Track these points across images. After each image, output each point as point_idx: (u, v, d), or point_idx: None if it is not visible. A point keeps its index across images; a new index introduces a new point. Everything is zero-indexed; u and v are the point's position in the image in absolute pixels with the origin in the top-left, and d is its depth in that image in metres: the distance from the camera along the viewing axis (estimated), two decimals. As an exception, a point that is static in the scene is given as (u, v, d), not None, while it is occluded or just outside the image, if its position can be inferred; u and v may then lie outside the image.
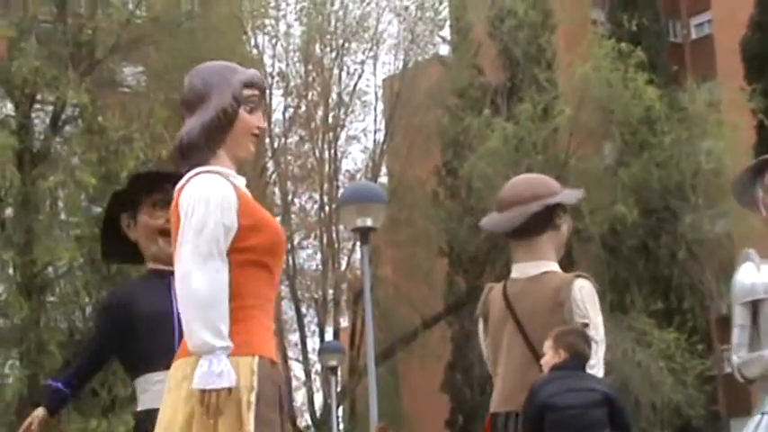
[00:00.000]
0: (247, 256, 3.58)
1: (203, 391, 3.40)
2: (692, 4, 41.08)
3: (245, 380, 3.49)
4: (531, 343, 4.74)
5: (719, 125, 28.70)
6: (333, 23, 31.34)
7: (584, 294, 4.70)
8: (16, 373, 22.19)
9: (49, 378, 4.73)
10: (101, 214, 5.19)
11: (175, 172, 3.85)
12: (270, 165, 30.96)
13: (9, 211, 23.61)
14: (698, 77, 33.25)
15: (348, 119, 32.32)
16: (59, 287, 23.63)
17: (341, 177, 31.98)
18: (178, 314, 3.60)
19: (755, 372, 5.25)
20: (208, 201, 3.52)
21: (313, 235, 31.31)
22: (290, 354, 32.05)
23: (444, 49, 33.50)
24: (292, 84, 31.59)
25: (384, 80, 33.39)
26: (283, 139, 31.59)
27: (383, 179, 32.72)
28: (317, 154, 31.75)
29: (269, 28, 31.48)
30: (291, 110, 31.76)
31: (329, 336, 31.09)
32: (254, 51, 30.67)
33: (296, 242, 31.04)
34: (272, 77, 31.12)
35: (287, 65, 31.65)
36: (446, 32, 33.24)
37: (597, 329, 4.72)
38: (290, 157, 31.97)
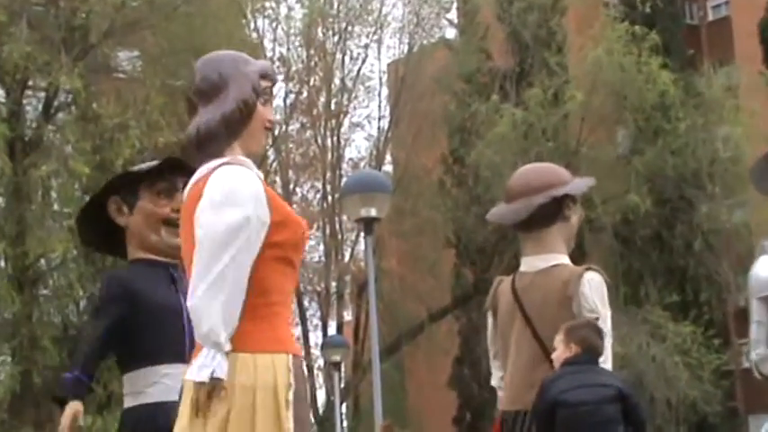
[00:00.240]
0: (275, 251, 3.56)
1: (201, 383, 3.37)
2: (709, -16, 41.13)
3: (282, 378, 3.47)
4: (540, 338, 4.69)
5: (737, 111, 28.74)
6: (335, 6, 31.55)
7: (593, 287, 4.64)
8: (8, 370, 22.08)
9: (64, 371, 4.60)
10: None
11: (182, 161, 4.02)
12: (270, 153, 30.81)
13: (0, 202, 23.59)
14: (715, 61, 33.39)
15: (351, 105, 32.55)
16: (53, 280, 23.63)
17: (344, 166, 32.18)
18: (186, 308, 3.56)
19: (774, 369, 5.30)
20: (243, 194, 3.49)
21: (315, 225, 31.29)
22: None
23: (451, 33, 33.70)
24: (294, 69, 31.67)
25: (389, 65, 33.57)
26: (284, 127, 31.60)
27: (388, 167, 32.89)
28: (320, 141, 31.89)
29: (269, 11, 31.65)
30: (293, 96, 31.85)
31: (332, 330, 31.24)
32: (254, 35, 30.86)
33: (298, 233, 31.00)
34: (273, 62, 30.97)
35: (288, 49, 31.76)
36: (453, 15, 33.46)
37: (605, 322, 4.67)
38: (291, 145, 31.94)
